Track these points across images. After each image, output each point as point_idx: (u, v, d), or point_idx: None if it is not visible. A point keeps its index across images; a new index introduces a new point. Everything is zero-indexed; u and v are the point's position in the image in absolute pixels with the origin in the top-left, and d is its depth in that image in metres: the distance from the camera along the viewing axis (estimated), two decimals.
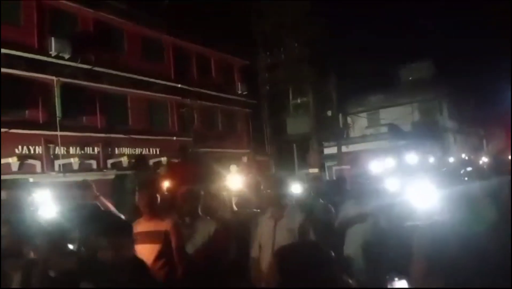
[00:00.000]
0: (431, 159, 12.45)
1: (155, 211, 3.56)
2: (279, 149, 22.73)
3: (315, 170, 20.04)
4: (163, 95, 17.88)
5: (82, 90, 14.79)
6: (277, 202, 3.75)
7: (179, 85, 18.40)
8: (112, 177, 15.11)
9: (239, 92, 22.41)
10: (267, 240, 3.59)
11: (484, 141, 32.24)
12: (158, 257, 3.37)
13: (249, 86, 23.05)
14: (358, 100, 25.69)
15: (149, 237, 3.39)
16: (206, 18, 19.85)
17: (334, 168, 19.27)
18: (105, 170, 15.05)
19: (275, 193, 3.80)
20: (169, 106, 18.56)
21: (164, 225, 3.49)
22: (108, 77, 15.48)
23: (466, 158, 15.37)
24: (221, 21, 20.60)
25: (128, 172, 15.68)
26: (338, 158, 20.33)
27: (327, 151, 22.32)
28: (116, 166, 15.60)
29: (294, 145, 23.21)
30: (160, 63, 18.25)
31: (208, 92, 19.88)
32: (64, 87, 14.12)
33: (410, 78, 26.89)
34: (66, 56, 14.02)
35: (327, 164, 20.86)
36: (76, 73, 14.46)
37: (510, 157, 12.76)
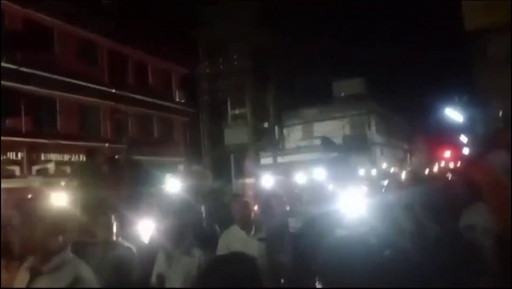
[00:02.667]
0: (359, 171, 13.18)
1: None
2: (217, 158, 22.77)
3: (252, 180, 20.32)
4: (96, 99, 17.26)
5: (6, 91, 13.87)
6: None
7: (113, 90, 17.89)
8: (37, 184, 14.31)
9: (178, 100, 22.22)
10: None
11: (408, 155, 34.62)
12: None
13: (188, 95, 22.95)
14: (294, 113, 26.52)
15: None
16: (146, 23, 19.54)
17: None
18: (29, 177, 14.19)
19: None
20: (102, 111, 17.95)
21: None
22: (36, 79, 14.67)
23: (389, 170, 16.40)
24: (162, 27, 20.38)
25: (54, 179, 14.91)
26: (274, 168, 20.79)
27: (263, 161, 22.75)
28: (42, 172, 14.76)
29: (232, 155, 23.38)
30: (94, 67, 17.65)
31: (145, 98, 19.51)
32: None
33: (343, 94, 28.26)
34: None
35: (264, 174, 21.24)
36: (1, 73, 13.58)
37: (427, 171, 13.89)
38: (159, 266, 3.28)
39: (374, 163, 22.70)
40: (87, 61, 17.24)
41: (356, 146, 23.89)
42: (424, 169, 17.92)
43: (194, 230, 4.13)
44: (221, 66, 25.16)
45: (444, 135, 28.91)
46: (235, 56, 24.41)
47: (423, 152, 35.07)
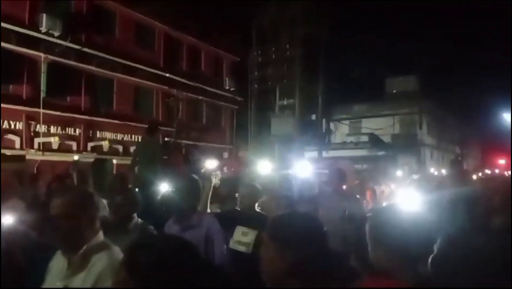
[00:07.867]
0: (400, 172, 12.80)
1: None
2: (262, 147, 22.88)
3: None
4: (151, 83, 17.81)
5: (69, 69, 14.62)
6: None
7: (167, 75, 18.37)
8: (91, 160, 15.05)
9: (227, 88, 22.48)
10: None
11: (459, 159, 33.16)
12: None
13: (237, 83, 23.14)
14: (343, 107, 26.11)
15: None
16: (200, 10, 19.82)
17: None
18: (84, 152, 14.95)
19: None
20: (155, 94, 18.51)
21: None
22: (97, 59, 15.35)
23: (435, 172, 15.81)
24: (215, 15, 20.62)
25: (108, 157, 15.61)
26: (318, 162, 20.64)
27: (308, 154, 22.59)
28: (96, 149, 15.51)
29: (276, 145, 23.39)
30: (150, 51, 18.17)
31: (196, 84, 19.88)
32: (51, 65, 13.94)
33: (395, 91, 27.44)
34: (56, 33, 13.85)
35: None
36: (65, 52, 14.29)
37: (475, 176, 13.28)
38: None
39: (423, 165, 21.96)
40: (144, 45, 17.77)
41: (405, 145, 23.19)
42: (473, 175, 17.16)
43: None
44: (273, 55, 25.09)
45: (500, 141, 27.44)
46: (287, 46, 24.24)
47: (475, 157, 33.53)
